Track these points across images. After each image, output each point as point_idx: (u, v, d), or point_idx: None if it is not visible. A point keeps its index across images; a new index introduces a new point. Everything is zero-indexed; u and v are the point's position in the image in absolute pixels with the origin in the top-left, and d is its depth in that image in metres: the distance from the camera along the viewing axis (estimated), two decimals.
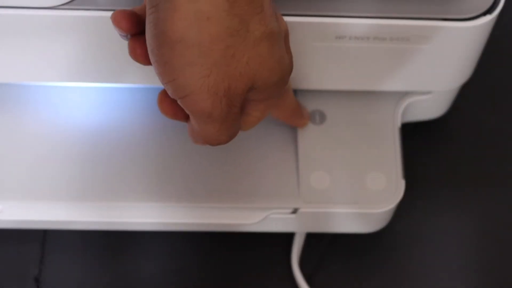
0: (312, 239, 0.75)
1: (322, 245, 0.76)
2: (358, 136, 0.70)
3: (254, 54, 0.48)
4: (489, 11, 0.60)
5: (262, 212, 0.68)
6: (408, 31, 0.60)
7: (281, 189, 0.69)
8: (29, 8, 0.58)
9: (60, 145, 0.70)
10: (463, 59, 0.65)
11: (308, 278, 0.73)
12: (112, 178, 0.69)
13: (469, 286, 0.75)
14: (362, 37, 0.60)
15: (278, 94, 0.53)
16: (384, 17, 0.59)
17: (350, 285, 0.75)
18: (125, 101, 0.71)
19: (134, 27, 0.51)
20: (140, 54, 0.51)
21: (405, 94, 0.71)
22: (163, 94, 0.53)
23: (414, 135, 0.78)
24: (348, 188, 0.68)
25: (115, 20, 0.51)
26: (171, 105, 0.53)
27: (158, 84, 0.50)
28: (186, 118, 0.53)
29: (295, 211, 0.68)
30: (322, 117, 0.71)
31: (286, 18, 0.59)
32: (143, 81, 0.64)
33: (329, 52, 0.62)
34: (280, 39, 0.50)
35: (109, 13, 0.51)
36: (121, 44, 0.54)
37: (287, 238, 0.75)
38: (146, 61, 0.51)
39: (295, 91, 0.70)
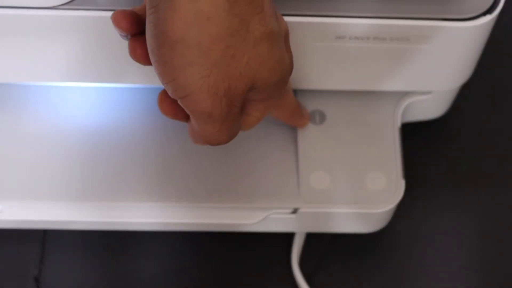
0: (312, 239, 0.75)
1: (322, 245, 0.76)
2: (358, 136, 0.70)
3: (254, 54, 0.48)
4: (489, 11, 0.60)
5: (262, 212, 0.68)
6: (408, 31, 0.60)
7: (281, 189, 0.69)
8: (29, 8, 0.58)
9: (60, 145, 0.70)
10: (463, 59, 0.65)
11: (308, 278, 0.73)
12: (112, 178, 0.69)
13: (469, 286, 0.75)
14: (362, 37, 0.60)
15: (278, 94, 0.53)
16: (384, 17, 0.59)
17: (350, 285, 0.75)
18: (125, 101, 0.71)
19: (134, 27, 0.51)
20: (140, 54, 0.51)
21: (405, 94, 0.71)
22: (164, 94, 0.53)
23: (414, 135, 0.78)
24: (348, 188, 0.68)
25: (115, 20, 0.51)
26: (171, 105, 0.53)
27: (158, 84, 0.50)
28: (186, 118, 0.53)
29: (295, 211, 0.68)
30: (322, 117, 0.71)
31: (286, 18, 0.59)
32: (143, 81, 0.64)
33: (329, 52, 0.62)
34: (280, 39, 0.50)
35: (109, 13, 0.51)
36: (121, 44, 0.54)
37: (287, 238, 0.75)
38: (146, 61, 0.51)
39: (295, 91, 0.70)
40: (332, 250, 0.75)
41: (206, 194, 0.68)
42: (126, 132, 0.70)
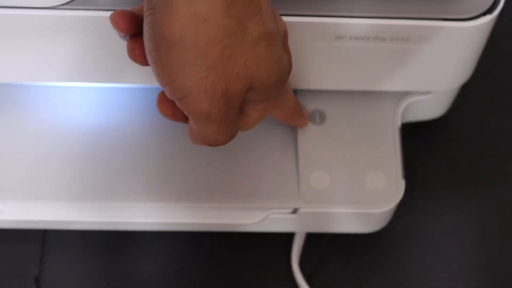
0: (312, 239, 0.75)
1: (322, 245, 0.76)
2: (358, 136, 0.70)
3: (252, 55, 0.48)
4: (489, 11, 0.60)
5: (262, 212, 0.68)
6: (408, 31, 0.60)
7: (281, 189, 0.69)
8: (29, 8, 0.58)
9: (60, 145, 0.70)
10: (463, 59, 0.65)
11: (308, 278, 0.73)
12: (112, 178, 0.69)
13: (469, 286, 0.75)
14: (362, 37, 0.60)
15: (277, 94, 0.53)
16: (384, 17, 0.59)
17: (350, 285, 0.75)
18: (125, 101, 0.71)
19: (133, 28, 0.51)
20: (139, 55, 0.51)
21: (405, 94, 0.71)
22: (162, 95, 0.53)
23: (414, 135, 0.78)
24: (348, 188, 0.68)
25: (114, 20, 0.51)
26: (170, 106, 0.53)
27: (157, 84, 0.50)
28: (185, 119, 0.53)
29: (295, 211, 0.68)
30: (322, 117, 0.71)
31: (286, 18, 0.59)
32: (143, 81, 0.64)
33: (329, 52, 0.62)
34: (278, 39, 0.50)
35: (109, 13, 0.51)
36: (121, 44, 0.54)
37: (287, 238, 0.75)
38: (144, 62, 0.51)
39: (295, 91, 0.70)
40: (332, 250, 0.75)
41: (206, 194, 0.68)
42: (126, 132, 0.70)
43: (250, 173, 0.69)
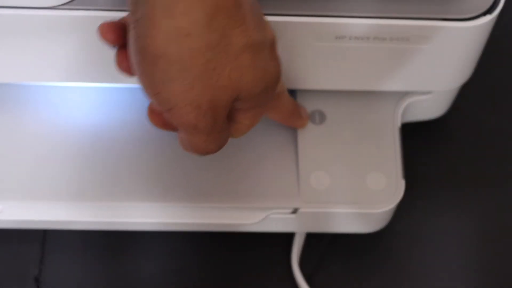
0: (312, 239, 0.75)
1: (322, 245, 0.76)
2: (358, 136, 0.70)
3: (236, 66, 0.48)
4: (489, 11, 0.60)
5: (262, 212, 0.68)
6: (408, 31, 0.60)
7: (281, 189, 0.69)
8: (29, 8, 0.58)
9: (60, 145, 0.70)
10: (463, 59, 0.65)
11: (308, 278, 0.73)
12: (112, 178, 0.69)
13: (469, 286, 0.75)
14: (362, 37, 0.60)
15: (266, 102, 0.53)
16: (384, 17, 0.59)
17: (350, 285, 0.75)
18: (125, 101, 0.71)
19: (120, 39, 0.51)
20: (127, 66, 0.51)
21: (405, 94, 0.71)
22: (152, 106, 0.53)
23: (414, 135, 0.78)
24: (348, 188, 0.68)
25: (102, 31, 0.52)
26: (160, 116, 0.54)
27: None
28: (176, 128, 0.53)
29: (295, 211, 0.68)
30: (322, 117, 0.71)
31: (286, 18, 0.59)
32: None
33: (329, 52, 0.62)
34: (264, 48, 0.50)
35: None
36: None
37: (287, 238, 0.75)
38: (132, 73, 0.51)
39: (295, 91, 0.70)
40: (332, 250, 0.75)
41: (206, 194, 0.68)
42: (126, 132, 0.70)
43: (250, 173, 0.69)
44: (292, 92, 0.70)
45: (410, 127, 0.76)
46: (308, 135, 0.70)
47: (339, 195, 0.68)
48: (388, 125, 0.71)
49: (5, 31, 0.59)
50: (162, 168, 0.69)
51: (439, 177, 0.78)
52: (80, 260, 0.74)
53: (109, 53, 0.62)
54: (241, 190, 0.69)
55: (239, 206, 0.68)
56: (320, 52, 0.62)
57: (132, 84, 0.69)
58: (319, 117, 0.71)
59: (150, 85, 0.49)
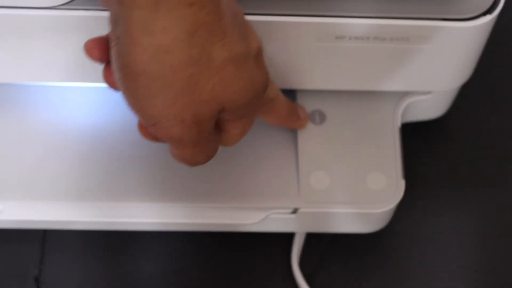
0: (312, 239, 0.75)
1: (322, 245, 0.76)
2: (358, 136, 0.70)
3: (219, 80, 0.48)
4: (489, 11, 0.60)
5: (262, 212, 0.68)
6: (408, 31, 0.60)
7: (281, 189, 0.69)
8: (29, 8, 0.58)
9: (60, 145, 0.70)
10: (463, 59, 0.65)
11: (308, 278, 0.73)
12: (112, 178, 0.69)
13: (469, 286, 0.75)
14: (362, 37, 0.60)
15: (254, 110, 0.53)
16: (384, 17, 0.59)
17: (350, 285, 0.75)
18: None
19: (106, 56, 0.51)
20: (114, 82, 0.51)
21: (405, 94, 0.71)
22: (141, 120, 0.54)
23: (414, 135, 0.78)
24: (348, 188, 0.68)
25: (87, 48, 0.52)
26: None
27: None
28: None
29: (295, 211, 0.68)
30: (322, 117, 0.71)
31: (287, 18, 0.59)
32: None
33: (329, 52, 0.62)
34: (248, 58, 0.50)
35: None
36: None
37: (287, 238, 0.75)
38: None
39: (295, 91, 0.70)
40: (332, 250, 0.75)
41: (206, 194, 0.68)
42: (126, 132, 0.70)
43: (250, 173, 0.69)
44: (292, 92, 0.70)
45: (410, 127, 0.76)
46: (308, 135, 0.70)
47: (339, 195, 0.68)
48: (388, 125, 0.71)
49: (5, 31, 0.59)
50: (162, 168, 0.69)
51: (439, 177, 0.78)
52: (80, 260, 0.74)
53: None
54: (241, 190, 0.69)
55: (239, 206, 0.68)
56: (320, 52, 0.62)
57: None
58: (319, 117, 0.71)
59: (133, 101, 0.49)
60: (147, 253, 0.75)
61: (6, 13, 0.58)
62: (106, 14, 0.57)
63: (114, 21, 0.48)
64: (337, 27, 0.60)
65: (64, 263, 0.74)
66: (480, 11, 0.60)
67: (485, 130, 0.81)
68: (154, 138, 0.53)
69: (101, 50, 0.51)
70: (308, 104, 0.71)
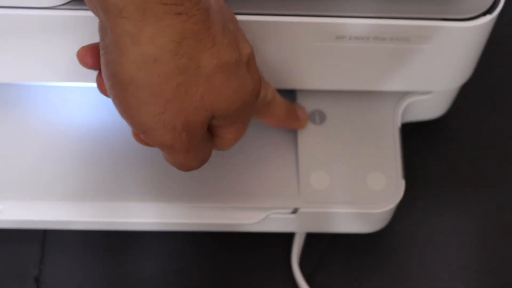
0: (312, 239, 0.75)
1: (322, 245, 0.76)
2: (358, 136, 0.70)
3: (208, 87, 0.48)
4: (489, 11, 0.60)
5: (262, 212, 0.68)
6: (408, 31, 0.60)
7: (281, 189, 0.69)
8: (29, 8, 0.58)
9: (60, 145, 0.70)
10: (463, 59, 0.65)
11: (308, 278, 0.73)
12: (112, 178, 0.69)
13: (469, 286, 0.75)
14: (362, 37, 0.60)
15: (247, 116, 0.53)
16: (384, 17, 0.59)
17: (350, 285, 0.75)
18: None
19: (99, 63, 0.51)
20: (106, 90, 0.51)
21: (405, 94, 0.71)
22: None
23: (414, 135, 0.78)
24: (348, 188, 0.68)
25: (79, 56, 0.52)
26: None
27: None
28: None
29: (295, 211, 0.68)
30: (322, 117, 0.71)
31: (286, 18, 0.59)
32: None
33: (329, 52, 0.62)
34: (239, 66, 0.50)
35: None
36: None
37: (287, 238, 0.75)
38: None
39: (295, 91, 0.70)
40: (332, 250, 0.75)
41: (206, 194, 0.68)
42: (126, 132, 0.70)
43: (250, 173, 0.69)
44: (292, 92, 0.70)
45: (410, 127, 0.76)
46: (308, 135, 0.70)
47: (339, 195, 0.68)
48: (388, 125, 0.71)
49: (5, 31, 0.59)
50: (162, 168, 0.69)
51: (439, 177, 0.78)
52: (80, 260, 0.74)
53: None
54: (241, 190, 0.69)
55: (239, 206, 0.68)
56: (320, 52, 0.62)
57: None
58: (319, 117, 0.71)
59: (123, 109, 0.49)
60: (147, 253, 0.75)
61: (6, 13, 0.58)
62: None
63: (103, 30, 0.48)
64: (337, 27, 0.60)
65: (64, 263, 0.74)
66: (480, 11, 0.60)
67: (485, 130, 0.81)
68: (148, 143, 0.53)
69: (93, 57, 0.52)
70: (308, 104, 0.71)
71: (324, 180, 0.69)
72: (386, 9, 0.59)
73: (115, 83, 0.48)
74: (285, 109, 0.67)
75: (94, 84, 0.70)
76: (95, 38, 0.60)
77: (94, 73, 0.64)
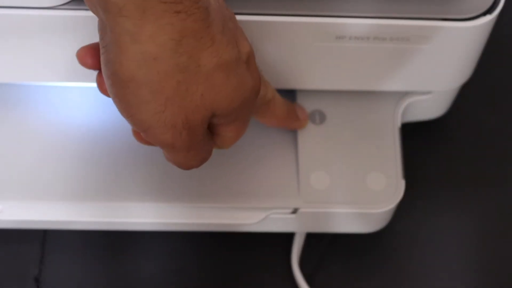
0: (312, 239, 0.75)
1: (322, 245, 0.76)
2: (358, 136, 0.70)
3: (208, 86, 0.48)
4: (489, 11, 0.60)
5: (262, 212, 0.68)
6: (408, 31, 0.60)
7: (281, 189, 0.69)
8: (29, 8, 0.58)
9: (60, 145, 0.70)
10: (463, 59, 0.65)
11: (308, 278, 0.73)
12: (112, 178, 0.69)
13: (469, 286, 0.75)
14: (362, 37, 0.60)
15: (246, 114, 0.53)
16: (384, 17, 0.59)
17: (350, 285, 0.75)
18: None
19: (99, 63, 0.51)
20: (106, 90, 0.51)
21: (405, 94, 0.71)
22: None
23: (414, 135, 0.78)
24: (348, 188, 0.68)
25: (79, 56, 0.52)
26: None
27: None
28: None
29: (295, 211, 0.68)
30: (322, 117, 0.71)
31: (286, 18, 0.59)
32: None
33: (329, 52, 0.62)
34: (238, 65, 0.50)
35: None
36: None
37: (287, 238, 0.75)
38: None
39: (295, 91, 0.70)
40: (332, 250, 0.75)
41: (206, 194, 0.68)
42: (126, 132, 0.70)
43: (250, 173, 0.69)
44: (292, 92, 0.70)
45: (410, 127, 0.76)
46: (308, 135, 0.70)
47: (339, 195, 0.68)
48: (388, 125, 0.71)
49: (5, 31, 0.59)
50: (162, 168, 0.69)
51: (439, 177, 0.78)
52: (80, 260, 0.74)
53: None
54: (241, 190, 0.69)
55: (239, 206, 0.68)
56: (320, 52, 0.62)
57: None
58: (319, 117, 0.71)
59: (124, 108, 0.49)
60: (147, 253, 0.75)
61: (6, 13, 0.58)
62: None
63: (102, 29, 0.48)
64: (337, 27, 0.60)
65: (64, 263, 0.74)
66: (480, 11, 0.60)
67: (485, 130, 0.81)
68: (148, 142, 0.53)
69: (93, 57, 0.52)
70: (308, 104, 0.71)
71: (324, 180, 0.69)
72: (386, 9, 0.59)
73: (115, 82, 0.48)
74: (285, 108, 0.67)
75: (94, 84, 0.70)
76: (95, 38, 0.60)
77: (94, 73, 0.65)
